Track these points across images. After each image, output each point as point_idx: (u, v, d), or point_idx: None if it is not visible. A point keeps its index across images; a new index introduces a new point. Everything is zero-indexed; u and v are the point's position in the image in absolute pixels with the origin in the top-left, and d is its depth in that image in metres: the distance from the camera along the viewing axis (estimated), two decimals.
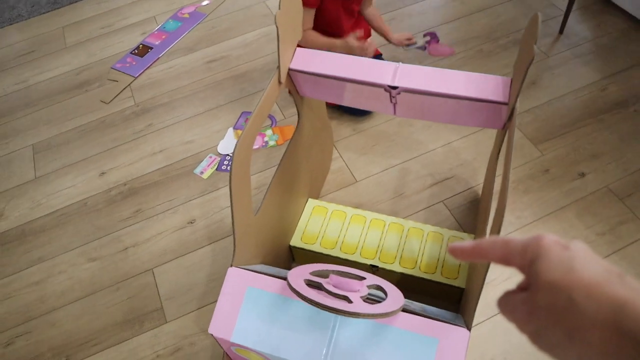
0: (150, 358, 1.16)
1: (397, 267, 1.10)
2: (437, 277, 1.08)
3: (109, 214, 1.44)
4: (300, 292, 0.73)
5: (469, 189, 1.35)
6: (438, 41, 1.55)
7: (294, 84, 0.98)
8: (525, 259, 0.34)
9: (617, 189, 1.32)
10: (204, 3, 2.06)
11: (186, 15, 2.01)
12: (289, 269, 1.21)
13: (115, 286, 1.29)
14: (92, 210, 1.46)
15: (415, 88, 0.87)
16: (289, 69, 0.93)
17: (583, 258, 0.32)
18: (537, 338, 0.33)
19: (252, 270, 0.86)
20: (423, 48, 1.52)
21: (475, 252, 0.38)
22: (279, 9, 0.86)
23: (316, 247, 1.14)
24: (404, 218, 1.29)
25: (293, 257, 1.22)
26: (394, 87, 0.88)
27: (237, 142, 0.80)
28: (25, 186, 1.55)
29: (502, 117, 0.89)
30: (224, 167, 1.48)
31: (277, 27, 0.85)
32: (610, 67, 1.62)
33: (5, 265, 1.37)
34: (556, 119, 1.50)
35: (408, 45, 1.56)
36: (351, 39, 1.28)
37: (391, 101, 0.91)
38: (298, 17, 0.93)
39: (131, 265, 1.32)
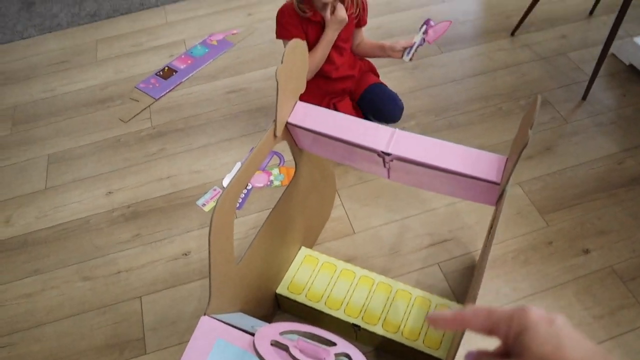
0: None
1: (379, 330, 1.08)
2: (419, 345, 1.05)
3: (109, 235, 1.46)
4: (263, 355, 0.72)
5: (466, 254, 1.33)
6: (433, 25, 1.41)
7: (292, 137, 0.98)
8: (511, 329, 0.35)
9: (622, 270, 1.28)
10: (234, 32, 2.09)
11: (214, 42, 2.05)
12: (273, 316, 1.21)
13: (103, 309, 1.30)
14: (93, 229, 1.48)
15: (408, 157, 0.86)
16: (287, 123, 0.94)
17: (570, 335, 0.34)
18: None
19: (225, 322, 0.85)
20: (422, 41, 1.36)
21: (457, 321, 0.38)
22: (282, 63, 0.86)
23: (301, 298, 1.13)
24: (395, 277, 1.28)
25: (279, 304, 1.21)
26: (388, 154, 0.87)
27: (222, 193, 0.80)
28: (35, 195, 1.59)
29: (494, 195, 0.88)
30: None
31: (277, 81, 0.86)
32: (631, 140, 1.58)
33: (3, 272, 1.40)
34: (567, 189, 1.46)
35: (408, 49, 1.39)
36: (327, 16, 1.34)
37: (385, 166, 0.91)
38: (301, 72, 0.93)
39: (122, 289, 1.33)
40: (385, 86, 1.54)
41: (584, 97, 1.72)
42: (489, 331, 0.37)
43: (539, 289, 1.25)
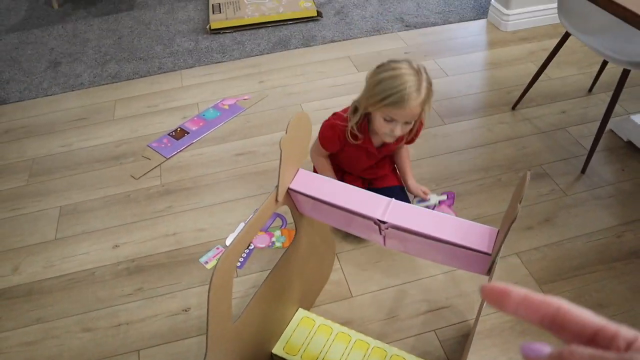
0: None
1: None
2: None
3: (112, 287, 1.48)
4: None
5: (463, 321, 1.34)
6: (452, 204, 1.49)
7: (293, 202, 1.03)
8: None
9: None
10: (245, 97, 2.19)
11: (226, 107, 2.14)
12: None
13: None
14: (98, 281, 1.51)
15: (403, 226, 0.90)
16: (289, 188, 0.99)
17: None
18: None
19: None
20: (433, 207, 1.47)
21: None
22: (286, 133, 0.92)
23: None
24: (391, 342, 1.28)
25: None
26: (383, 222, 0.91)
27: (223, 253, 0.84)
28: (44, 245, 1.63)
29: (486, 265, 0.91)
30: None
31: (280, 149, 0.92)
32: (630, 214, 1.61)
33: (6, 319, 1.42)
34: (565, 260, 1.48)
35: (419, 199, 1.48)
36: None
37: (380, 233, 0.95)
38: (304, 142, 0.99)
39: (120, 342, 1.35)
40: (404, 189, 1.55)
41: (583, 171, 1.77)
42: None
43: None
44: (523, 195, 0.80)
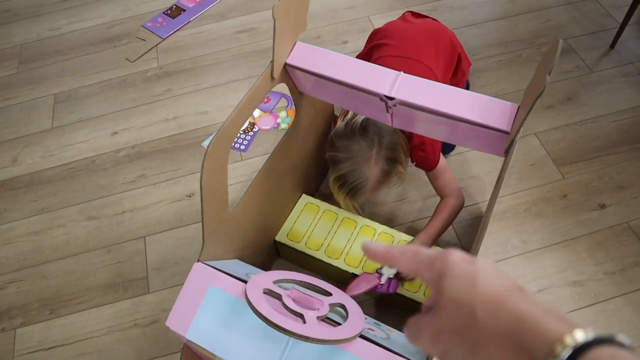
0: (128, 325, 1.18)
1: None
2: (419, 297, 1.03)
3: (114, 175, 1.45)
4: (254, 304, 0.70)
5: (475, 204, 1.29)
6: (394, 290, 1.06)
7: (291, 79, 0.94)
8: (433, 273, 0.34)
9: (638, 227, 1.24)
10: None
11: None
12: (272, 263, 1.20)
13: (107, 248, 1.31)
14: (99, 169, 1.47)
15: (413, 102, 0.81)
16: (286, 64, 0.89)
17: (486, 273, 0.32)
18: (444, 358, 0.32)
19: (219, 269, 0.83)
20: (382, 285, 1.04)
21: (386, 257, 0.38)
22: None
23: (300, 246, 1.11)
24: (401, 225, 1.25)
25: (279, 252, 1.19)
26: (391, 98, 0.82)
27: (214, 135, 0.77)
28: (42, 135, 1.58)
29: (503, 145, 0.83)
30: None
31: (274, 19, 0.81)
32: None
33: (11, 210, 1.41)
34: (587, 141, 1.40)
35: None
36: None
37: (387, 111, 0.86)
38: (301, 10, 0.87)
39: (126, 229, 1.33)
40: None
41: (612, 46, 1.62)
42: (415, 272, 0.36)
43: (550, 243, 1.22)
44: (553, 65, 0.70)
